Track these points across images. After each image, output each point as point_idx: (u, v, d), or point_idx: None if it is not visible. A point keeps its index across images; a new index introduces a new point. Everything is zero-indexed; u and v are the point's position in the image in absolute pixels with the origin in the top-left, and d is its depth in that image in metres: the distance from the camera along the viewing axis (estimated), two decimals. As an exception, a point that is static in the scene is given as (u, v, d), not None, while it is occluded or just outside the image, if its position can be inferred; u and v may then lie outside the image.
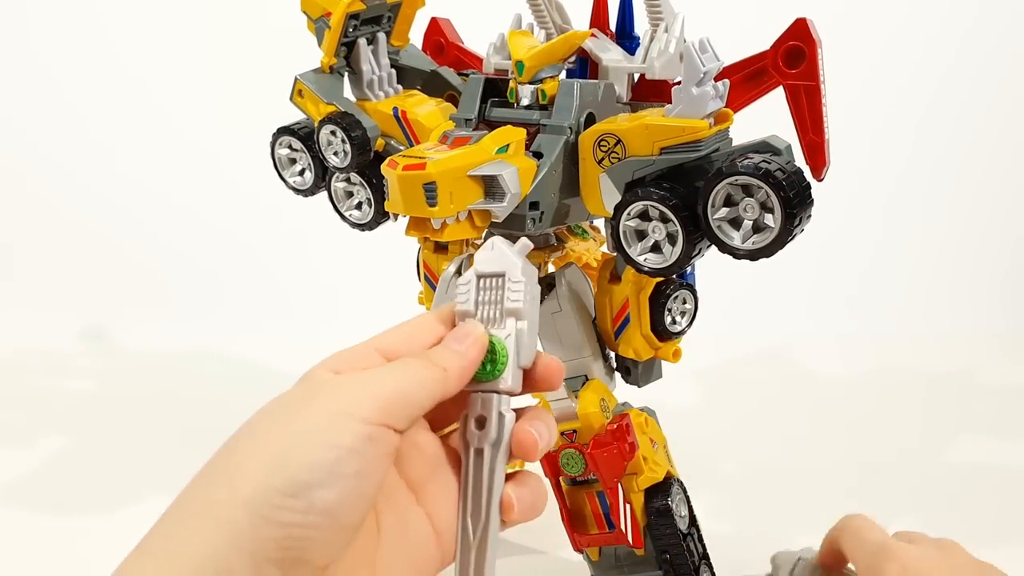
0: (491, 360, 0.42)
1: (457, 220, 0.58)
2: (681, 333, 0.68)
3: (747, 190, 0.55)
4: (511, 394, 0.42)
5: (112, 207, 1.60)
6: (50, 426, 1.11)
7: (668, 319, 0.66)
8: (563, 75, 0.65)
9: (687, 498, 0.69)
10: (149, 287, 1.53)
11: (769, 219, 0.54)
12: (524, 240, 0.45)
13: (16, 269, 1.57)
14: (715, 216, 0.56)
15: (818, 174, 0.60)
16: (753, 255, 0.56)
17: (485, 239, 0.69)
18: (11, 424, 1.12)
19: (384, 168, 0.58)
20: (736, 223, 0.56)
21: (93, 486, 0.99)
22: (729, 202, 0.56)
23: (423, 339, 0.42)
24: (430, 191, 0.56)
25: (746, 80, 0.61)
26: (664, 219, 0.58)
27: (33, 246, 1.59)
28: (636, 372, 0.71)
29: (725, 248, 0.57)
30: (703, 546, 0.69)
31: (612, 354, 0.71)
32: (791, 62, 0.59)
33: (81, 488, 0.99)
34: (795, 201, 0.53)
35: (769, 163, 0.54)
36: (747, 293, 1.26)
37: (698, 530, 0.70)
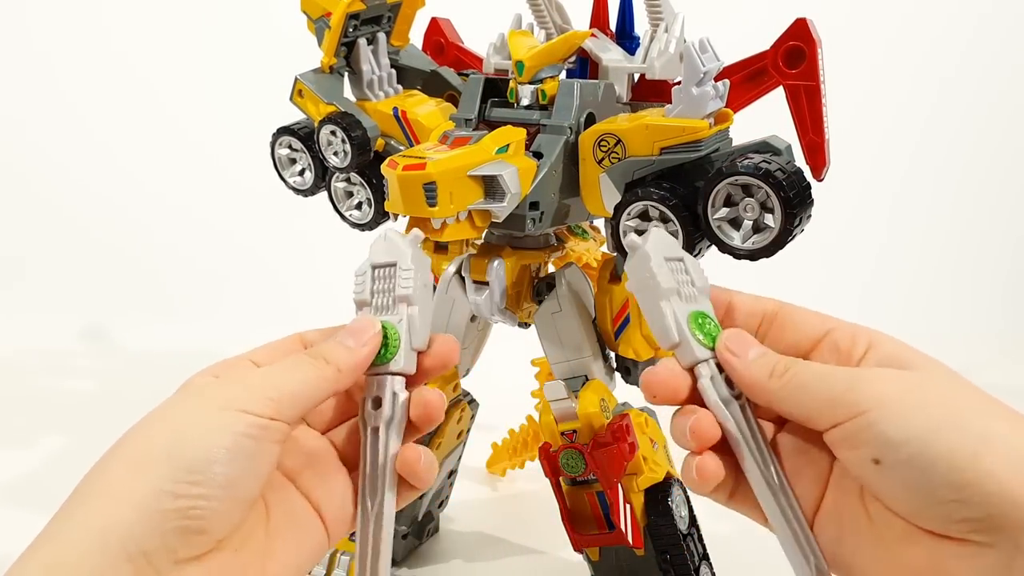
0: (384, 345, 0.44)
1: (457, 220, 0.58)
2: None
3: (747, 190, 0.55)
4: (404, 375, 0.44)
5: (112, 208, 1.61)
6: (50, 426, 1.11)
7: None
8: (563, 75, 0.65)
9: (687, 498, 0.69)
10: (149, 287, 1.53)
11: (769, 219, 0.54)
12: (416, 231, 0.47)
13: (17, 270, 1.57)
14: (715, 216, 0.56)
15: (818, 174, 0.60)
16: (753, 255, 0.56)
17: (484, 239, 0.70)
18: (11, 424, 1.12)
19: (384, 168, 0.58)
20: (736, 223, 0.56)
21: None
22: (729, 202, 0.56)
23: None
24: (430, 191, 0.56)
25: (746, 80, 0.60)
26: (664, 219, 0.58)
27: (33, 247, 1.59)
28: (636, 372, 0.71)
29: (725, 248, 0.57)
30: (703, 546, 0.69)
31: (612, 354, 0.71)
32: (791, 62, 0.59)
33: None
34: (795, 201, 0.53)
35: (769, 163, 0.54)
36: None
37: (698, 530, 0.69)
